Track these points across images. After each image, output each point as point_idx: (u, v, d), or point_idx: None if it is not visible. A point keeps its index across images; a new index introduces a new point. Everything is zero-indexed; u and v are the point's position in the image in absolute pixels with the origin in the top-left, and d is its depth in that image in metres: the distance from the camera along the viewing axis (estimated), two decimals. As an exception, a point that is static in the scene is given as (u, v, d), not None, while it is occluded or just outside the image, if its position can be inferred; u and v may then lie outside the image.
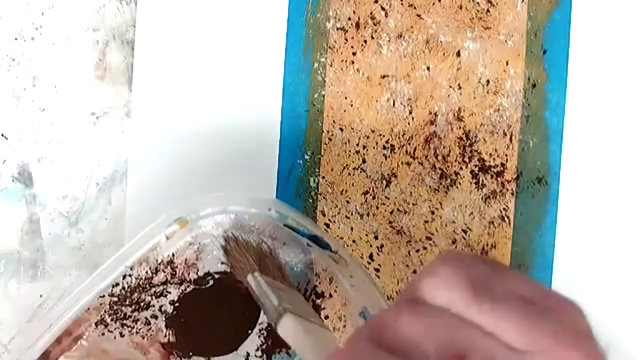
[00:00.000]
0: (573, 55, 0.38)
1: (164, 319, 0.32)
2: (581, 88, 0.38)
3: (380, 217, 0.39)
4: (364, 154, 0.38)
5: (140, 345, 0.32)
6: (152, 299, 0.32)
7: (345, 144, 0.39)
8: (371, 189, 0.38)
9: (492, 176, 0.38)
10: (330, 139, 0.39)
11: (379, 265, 0.38)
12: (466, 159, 0.38)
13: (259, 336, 0.33)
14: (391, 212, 0.38)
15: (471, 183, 0.38)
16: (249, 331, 0.33)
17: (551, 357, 0.22)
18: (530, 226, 0.38)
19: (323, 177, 0.39)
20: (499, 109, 0.38)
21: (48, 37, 0.38)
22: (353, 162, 0.39)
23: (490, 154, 0.38)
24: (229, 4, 0.38)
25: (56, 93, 0.38)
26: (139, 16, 0.38)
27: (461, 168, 0.38)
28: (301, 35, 0.38)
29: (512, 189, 0.38)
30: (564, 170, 0.38)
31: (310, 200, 0.39)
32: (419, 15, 0.38)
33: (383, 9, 0.38)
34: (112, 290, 0.31)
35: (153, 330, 0.32)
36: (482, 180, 0.38)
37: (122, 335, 0.32)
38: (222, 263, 0.32)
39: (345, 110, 0.39)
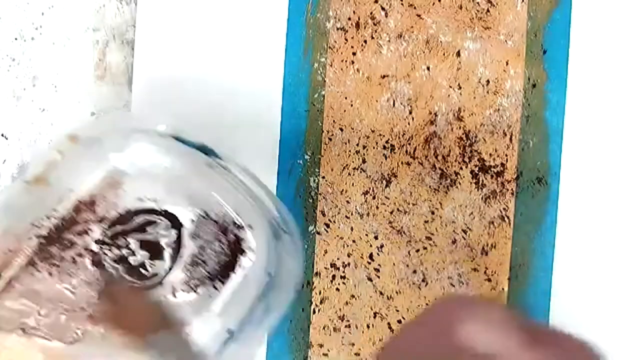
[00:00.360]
0: (573, 55, 0.38)
1: (89, 257, 0.34)
2: (581, 88, 0.38)
3: (380, 217, 0.39)
4: (364, 154, 0.38)
5: (68, 285, 0.33)
6: (76, 237, 0.33)
7: (345, 144, 0.39)
8: (371, 189, 0.38)
9: (492, 176, 0.38)
10: (330, 139, 0.39)
11: (379, 265, 0.38)
12: (466, 159, 0.38)
13: (184, 270, 0.34)
14: (391, 212, 0.38)
15: (471, 183, 0.38)
16: (172, 265, 0.34)
17: None
18: (530, 226, 0.38)
19: (323, 177, 0.39)
20: (499, 109, 0.38)
21: (48, 37, 0.38)
22: (353, 162, 0.39)
23: (490, 154, 0.38)
24: (229, 4, 0.38)
25: (56, 93, 0.38)
26: (139, 16, 0.38)
27: (461, 168, 0.38)
28: (301, 35, 0.39)
29: (512, 189, 0.38)
30: (564, 170, 0.38)
31: (310, 200, 0.39)
32: (419, 15, 0.38)
33: (383, 9, 0.38)
34: (40, 232, 0.33)
35: (79, 269, 0.33)
36: (482, 180, 0.38)
37: (50, 275, 0.33)
38: (140, 200, 0.34)
39: (345, 110, 0.39)
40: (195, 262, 0.35)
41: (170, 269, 0.35)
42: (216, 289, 0.35)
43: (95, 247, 0.34)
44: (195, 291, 0.35)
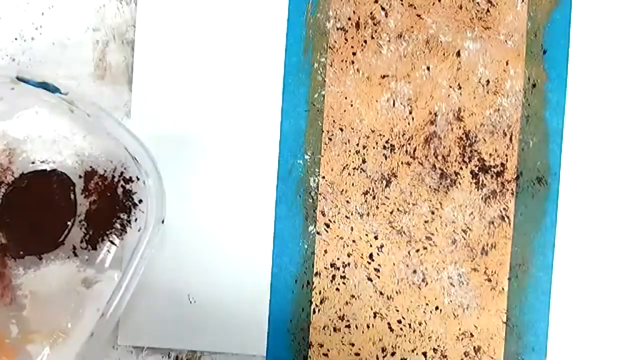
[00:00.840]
0: (573, 55, 0.38)
1: None
2: (581, 88, 0.38)
3: (380, 217, 0.39)
4: (364, 154, 0.38)
5: None
6: None
7: (345, 144, 0.39)
8: (371, 189, 0.38)
9: (492, 176, 0.38)
10: (330, 139, 0.39)
11: (379, 265, 0.38)
12: (466, 159, 0.38)
13: (81, 228, 0.36)
14: (391, 212, 0.38)
15: (471, 183, 0.38)
16: (69, 223, 0.36)
17: None
18: (530, 226, 0.38)
19: (323, 177, 0.39)
20: (499, 109, 0.38)
21: (48, 37, 0.38)
22: (353, 162, 0.39)
23: (490, 154, 0.38)
24: (228, 4, 0.38)
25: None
26: (139, 16, 0.38)
27: (461, 168, 0.38)
28: (301, 35, 0.39)
29: (512, 189, 0.38)
30: (564, 170, 0.38)
31: (310, 200, 0.39)
32: (419, 15, 0.38)
33: (383, 9, 0.38)
34: None
35: None
36: (482, 180, 0.38)
37: None
38: (32, 163, 0.36)
39: (345, 110, 0.39)
40: (89, 219, 0.36)
41: (68, 230, 0.36)
42: (114, 243, 0.36)
43: None
44: (94, 248, 0.36)
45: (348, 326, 0.39)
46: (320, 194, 0.39)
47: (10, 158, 0.36)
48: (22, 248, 0.36)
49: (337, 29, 0.39)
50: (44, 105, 0.35)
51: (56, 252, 0.36)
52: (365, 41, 0.38)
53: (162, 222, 0.35)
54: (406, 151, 0.39)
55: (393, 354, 0.38)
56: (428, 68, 0.38)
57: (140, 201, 0.36)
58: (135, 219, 0.36)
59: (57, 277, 0.36)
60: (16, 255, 0.36)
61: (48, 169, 0.36)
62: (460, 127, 0.38)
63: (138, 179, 0.36)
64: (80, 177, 0.36)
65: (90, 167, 0.36)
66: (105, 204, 0.36)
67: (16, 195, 0.36)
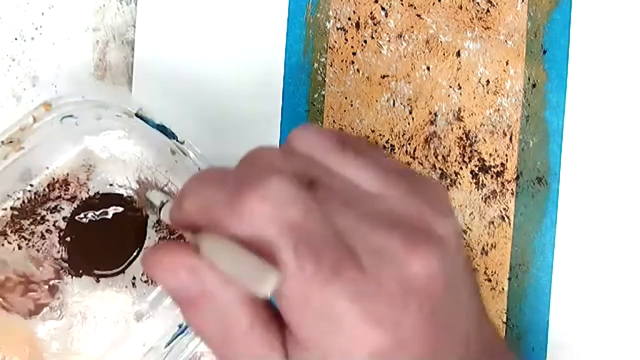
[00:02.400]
0: (573, 55, 0.38)
1: (57, 234, 0.35)
2: (581, 88, 0.38)
3: (380, 217, 0.38)
4: (364, 154, 0.38)
5: (35, 259, 0.35)
6: (47, 213, 0.35)
7: (345, 144, 0.39)
8: (371, 189, 0.38)
9: (492, 176, 0.38)
10: (330, 139, 0.39)
11: (379, 265, 0.38)
12: (466, 159, 0.38)
13: None
14: (391, 212, 0.38)
15: (471, 183, 0.38)
16: (135, 253, 0.36)
17: (399, 199, 0.23)
18: (530, 226, 0.38)
19: (323, 177, 0.39)
20: (499, 109, 0.38)
21: (48, 37, 0.38)
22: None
23: (490, 154, 0.38)
24: (229, 4, 0.38)
25: (56, 93, 0.38)
26: (139, 16, 0.38)
27: (461, 168, 0.38)
28: (301, 35, 0.39)
29: (512, 189, 0.38)
30: (564, 170, 0.38)
31: (310, 200, 0.38)
32: (419, 15, 0.38)
33: (383, 9, 0.38)
34: (14, 203, 0.35)
35: (48, 245, 0.35)
36: (482, 180, 0.38)
37: (19, 247, 0.35)
38: (110, 185, 0.36)
39: (345, 110, 0.39)
40: None
41: (132, 259, 0.36)
42: None
43: (63, 225, 0.35)
44: (154, 283, 0.36)
45: (348, 326, 0.39)
46: (320, 194, 0.39)
47: (88, 174, 0.36)
48: (82, 267, 0.36)
49: (337, 29, 0.39)
50: (135, 131, 0.35)
51: (115, 279, 0.36)
52: (365, 41, 0.38)
53: None
54: (406, 151, 0.38)
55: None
56: (428, 68, 0.38)
57: None
58: None
59: (110, 304, 0.36)
60: (75, 273, 0.36)
61: (125, 195, 0.35)
62: (460, 127, 0.38)
63: None
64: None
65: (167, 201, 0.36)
66: (175, 240, 0.36)
67: (86, 214, 0.36)
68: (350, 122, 0.38)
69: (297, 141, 0.24)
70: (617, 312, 0.38)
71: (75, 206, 0.35)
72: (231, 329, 0.22)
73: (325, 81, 0.39)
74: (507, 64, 0.38)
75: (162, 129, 0.33)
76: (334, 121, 0.38)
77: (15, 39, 0.38)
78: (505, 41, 0.38)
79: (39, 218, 0.35)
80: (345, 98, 0.39)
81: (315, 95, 0.39)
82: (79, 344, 0.36)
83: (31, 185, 0.35)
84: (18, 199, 0.35)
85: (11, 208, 0.35)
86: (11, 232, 0.35)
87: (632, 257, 0.38)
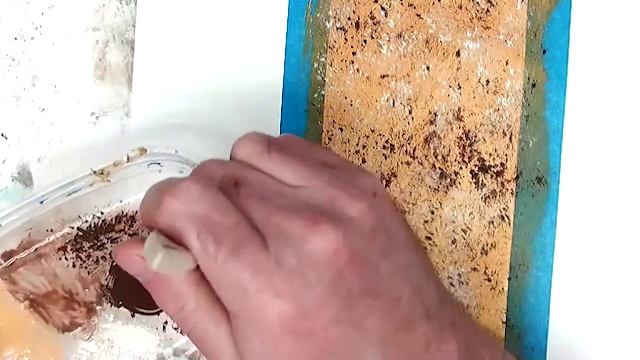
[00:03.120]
0: (573, 55, 0.38)
1: (110, 263, 0.37)
2: (581, 88, 0.38)
3: (380, 217, 0.38)
4: (364, 154, 0.38)
5: (83, 280, 0.37)
6: (108, 242, 0.37)
7: (345, 144, 0.39)
8: (371, 189, 0.38)
9: (492, 176, 0.38)
10: (330, 139, 0.39)
11: (379, 265, 0.38)
12: (466, 159, 0.38)
13: None
14: (391, 212, 0.38)
15: (471, 183, 0.38)
16: None
17: (316, 190, 0.26)
18: (530, 226, 0.38)
19: (323, 177, 0.39)
20: (499, 109, 0.38)
21: (48, 37, 0.38)
22: (353, 161, 0.39)
23: (490, 154, 0.38)
24: (229, 4, 0.38)
25: (56, 93, 0.38)
26: (139, 16, 0.38)
27: (461, 168, 0.38)
28: (301, 35, 0.39)
29: (512, 189, 0.38)
30: (564, 170, 0.38)
31: (310, 200, 0.38)
32: (419, 15, 0.38)
33: (383, 9, 0.38)
34: (82, 225, 0.37)
35: (99, 271, 0.37)
36: (482, 180, 0.38)
37: (74, 266, 0.37)
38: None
39: (345, 110, 0.39)
40: None
41: None
42: None
43: None
44: (182, 332, 0.37)
45: (348, 326, 0.39)
46: (320, 194, 0.39)
47: None
48: (123, 299, 0.37)
49: (337, 29, 0.39)
50: None
51: (149, 318, 0.37)
52: (365, 41, 0.38)
53: None
54: (406, 151, 0.38)
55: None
56: (428, 68, 0.38)
57: None
58: None
59: (138, 340, 0.37)
60: (115, 302, 0.37)
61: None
62: (460, 127, 0.38)
63: None
64: None
65: None
66: None
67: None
68: (350, 122, 0.38)
69: (236, 150, 0.29)
70: (617, 312, 0.38)
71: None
72: (184, 306, 0.27)
73: (325, 81, 0.39)
74: (507, 64, 0.38)
75: None
76: (334, 121, 0.38)
77: (15, 39, 0.38)
78: (505, 41, 0.38)
79: (99, 244, 0.37)
80: (345, 98, 0.39)
81: (315, 95, 0.39)
82: None
83: (102, 213, 0.37)
84: (87, 222, 0.37)
85: (78, 229, 0.37)
86: (71, 249, 0.37)
87: (633, 257, 0.38)
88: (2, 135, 0.38)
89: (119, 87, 0.39)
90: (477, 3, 0.38)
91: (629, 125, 0.38)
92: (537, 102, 0.38)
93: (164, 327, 0.37)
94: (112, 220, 0.37)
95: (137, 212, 0.37)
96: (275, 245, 0.25)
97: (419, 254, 0.29)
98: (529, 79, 0.38)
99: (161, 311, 0.37)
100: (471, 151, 0.38)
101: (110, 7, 0.39)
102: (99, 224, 0.37)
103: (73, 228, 0.37)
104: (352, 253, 0.25)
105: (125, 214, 0.37)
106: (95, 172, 0.35)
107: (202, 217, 0.26)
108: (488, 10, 0.38)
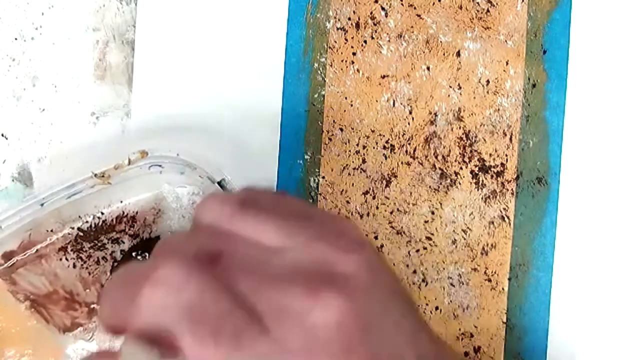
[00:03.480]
0: (573, 55, 0.38)
1: (111, 264, 0.37)
2: (581, 88, 0.38)
3: (380, 217, 0.39)
4: (364, 154, 0.38)
5: (84, 281, 0.37)
6: (108, 242, 0.37)
7: (345, 144, 0.39)
8: (371, 189, 0.38)
9: (492, 176, 0.38)
10: (330, 139, 0.39)
11: (379, 265, 0.38)
12: (466, 159, 0.38)
13: None
14: (391, 212, 0.38)
15: (471, 183, 0.38)
16: None
17: (302, 248, 0.23)
18: (530, 226, 0.38)
19: (323, 177, 0.39)
20: (499, 109, 0.38)
21: (48, 37, 0.38)
22: (353, 162, 0.39)
23: (490, 154, 0.38)
24: (229, 4, 0.38)
25: (56, 93, 0.38)
26: (139, 16, 0.38)
27: (461, 168, 0.38)
28: (301, 35, 0.39)
29: (512, 189, 0.38)
30: (564, 170, 0.38)
31: (310, 200, 0.39)
32: (419, 15, 0.38)
33: (383, 9, 0.38)
34: (82, 225, 0.37)
35: (99, 272, 0.37)
36: (482, 180, 0.38)
37: (74, 266, 0.37)
38: (171, 232, 0.38)
39: (345, 110, 0.39)
40: None
41: None
42: None
43: (119, 257, 0.37)
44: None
45: (348, 326, 0.39)
46: (320, 194, 0.39)
47: (155, 218, 0.37)
48: None
49: (337, 29, 0.39)
50: (209, 192, 0.36)
51: None
52: (365, 41, 0.38)
53: None
54: (406, 151, 0.38)
55: (393, 354, 0.38)
56: (428, 68, 0.38)
57: None
58: None
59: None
60: None
61: None
62: (460, 127, 0.38)
63: None
64: None
65: None
66: None
67: (142, 252, 0.37)
68: (350, 122, 0.38)
69: (202, 214, 0.25)
70: (617, 312, 0.38)
71: (135, 243, 0.37)
72: None
73: (325, 81, 0.39)
74: (507, 64, 0.38)
75: None
76: (334, 121, 0.38)
77: (15, 39, 0.38)
78: (505, 41, 0.38)
79: (99, 244, 0.37)
80: (345, 98, 0.39)
81: (315, 95, 0.39)
82: None
83: (102, 213, 0.37)
84: (87, 222, 0.37)
85: (78, 229, 0.37)
86: (71, 250, 0.37)
87: (633, 257, 0.38)
88: (2, 135, 0.38)
89: (119, 87, 0.39)
90: (477, 3, 0.38)
91: (629, 125, 0.38)
92: (537, 102, 0.38)
93: None
94: (112, 220, 0.37)
95: (137, 212, 0.37)
96: (275, 325, 0.22)
97: (408, 298, 0.26)
98: (529, 79, 0.38)
99: None
100: (471, 151, 0.38)
101: (110, 7, 0.39)
102: (99, 224, 0.37)
103: (73, 228, 0.37)
104: (357, 317, 0.22)
105: (125, 214, 0.37)
106: (96, 175, 0.35)
107: (191, 307, 0.21)
108: (488, 10, 0.38)
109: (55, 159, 0.38)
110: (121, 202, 0.37)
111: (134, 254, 0.37)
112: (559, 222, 0.38)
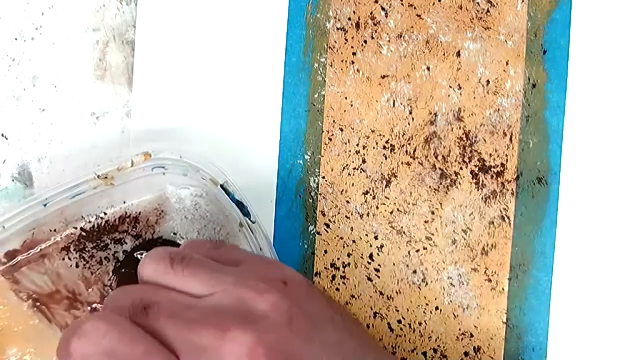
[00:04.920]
0: (573, 55, 0.38)
1: (113, 264, 0.37)
2: (581, 88, 0.38)
3: (380, 217, 0.39)
4: (364, 154, 0.38)
5: (86, 280, 0.37)
6: (110, 242, 0.37)
7: (345, 144, 0.39)
8: (371, 189, 0.38)
9: (492, 176, 0.38)
10: (330, 139, 0.39)
11: (379, 265, 0.38)
12: (466, 159, 0.38)
13: None
14: (391, 212, 0.38)
15: (471, 183, 0.38)
16: None
17: (223, 294, 0.26)
18: (530, 226, 0.38)
19: (323, 177, 0.39)
20: (499, 109, 0.38)
21: (48, 37, 0.38)
22: (353, 162, 0.39)
23: (490, 154, 0.38)
24: (229, 4, 0.38)
25: (56, 93, 0.38)
26: (139, 16, 0.38)
27: (461, 168, 0.38)
28: (301, 35, 0.38)
29: (512, 189, 0.38)
30: (564, 170, 0.38)
31: (310, 200, 0.39)
32: (419, 15, 0.38)
33: (383, 9, 0.38)
34: (85, 225, 0.37)
35: (102, 272, 0.37)
36: (482, 180, 0.38)
37: (77, 266, 0.37)
38: (174, 234, 0.38)
39: (345, 110, 0.39)
40: None
41: None
42: None
43: (121, 257, 0.38)
44: None
45: (348, 326, 0.39)
46: (320, 194, 0.39)
47: (158, 219, 0.38)
48: None
49: (337, 29, 0.39)
50: (212, 193, 0.37)
51: None
52: (365, 41, 0.38)
53: None
54: (406, 151, 0.38)
55: (393, 353, 0.38)
56: (428, 68, 0.38)
57: None
58: None
59: None
60: None
61: None
62: (460, 127, 0.38)
63: None
64: None
65: None
66: None
67: (145, 253, 0.37)
68: (350, 122, 0.38)
69: (142, 272, 0.28)
70: (617, 312, 0.38)
71: (138, 244, 0.38)
72: None
73: (325, 81, 0.39)
74: (507, 64, 0.38)
75: (240, 205, 0.36)
76: (334, 121, 0.38)
77: (15, 39, 0.38)
78: (505, 41, 0.38)
79: (102, 244, 0.37)
80: (345, 98, 0.39)
81: (315, 95, 0.39)
82: None
83: (105, 214, 0.37)
84: (90, 222, 0.37)
85: (81, 229, 0.37)
86: (74, 249, 0.37)
87: (633, 257, 0.38)
88: (2, 135, 0.38)
89: (119, 87, 0.39)
90: (477, 3, 0.38)
91: (629, 125, 0.38)
92: (537, 102, 0.38)
93: None
94: (115, 220, 0.37)
95: (140, 213, 0.37)
96: None
97: (349, 326, 0.28)
98: (529, 79, 0.38)
99: None
100: (471, 151, 0.38)
101: (110, 7, 0.39)
102: (102, 224, 0.37)
103: (76, 228, 0.37)
104: (269, 349, 0.24)
105: (128, 214, 0.38)
106: (99, 176, 0.36)
107: (110, 352, 0.25)
108: (488, 11, 0.38)
109: (55, 158, 0.38)
110: (124, 202, 0.38)
111: (136, 254, 0.37)
112: (559, 222, 0.38)
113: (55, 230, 0.37)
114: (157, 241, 0.38)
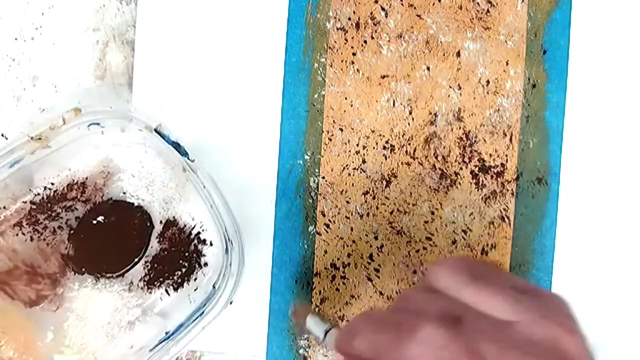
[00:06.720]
0: (573, 55, 0.38)
1: (67, 232, 0.37)
2: (581, 88, 0.38)
3: (380, 217, 0.39)
4: (364, 154, 0.38)
5: (43, 252, 0.37)
6: (62, 211, 0.37)
7: (345, 144, 0.39)
8: (371, 189, 0.38)
9: (492, 176, 0.38)
10: (330, 139, 0.39)
11: (379, 265, 0.38)
12: (466, 159, 0.38)
13: (144, 268, 0.38)
14: (391, 212, 0.38)
15: (471, 183, 0.38)
16: (136, 259, 0.38)
17: (532, 325, 0.26)
18: (530, 226, 0.38)
19: (323, 177, 0.39)
20: (499, 109, 0.38)
21: (48, 37, 0.38)
22: (353, 162, 0.39)
23: (490, 154, 0.38)
24: (229, 5, 0.38)
25: (56, 93, 0.38)
26: (139, 16, 0.38)
27: (461, 168, 0.38)
28: (301, 35, 0.39)
29: (512, 189, 0.38)
30: (564, 170, 0.38)
31: (310, 200, 0.39)
32: (419, 16, 0.38)
33: (383, 9, 0.38)
34: (34, 198, 0.37)
35: (57, 241, 0.37)
36: (482, 181, 0.38)
37: (32, 239, 0.37)
38: (123, 193, 0.38)
39: (345, 110, 0.39)
40: (155, 263, 0.38)
41: (133, 265, 0.38)
42: (167, 293, 0.38)
43: (75, 224, 0.37)
44: (149, 291, 0.38)
45: (348, 326, 0.39)
46: (320, 194, 0.39)
47: (106, 181, 0.38)
48: (85, 265, 0.37)
49: (337, 29, 0.39)
50: (155, 148, 0.37)
51: (114, 280, 0.38)
52: (365, 41, 0.38)
53: (230, 303, 0.36)
54: (406, 151, 0.38)
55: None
56: (428, 68, 0.38)
57: (206, 264, 0.38)
58: (195, 279, 0.38)
59: (105, 304, 0.38)
60: (77, 270, 0.37)
61: (135, 204, 0.38)
62: (460, 127, 0.38)
63: (212, 244, 0.38)
64: (161, 222, 0.38)
65: (173, 217, 0.38)
66: (174, 254, 0.38)
67: (97, 216, 0.38)
68: (350, 122, 0.38)
69: (435, 279, 0.28)
70: (617, 312, 0.38)
71: (89, 208, 0.37)
72: None
73: (325, 81, 0.39)
74: (507, 64, 0.38)
75: (177, 146, 0.35)
76: (334, 121, 0.38)
77: (15, 39, 0.38)
78: (505, 41, 0.38)
79: (54, 214, 0.37)
80: (345, 98, 0.39)
81: (315, 96, 0.39)
82: (72, 338, 0.37)
83: (52, 184, 0.37)
84: (38, 194, 0.37)
85: (31, 202, 0.37)
86: (27, 224, 0.37)
87: (632, 257, 0.38)
88: (2, 135, 0.38)
89: (119, 87, 0.39)
90: (477, 3, 0.38)
91: (629, 125, 0.38)
92: (537, 102, 0.38)
93: (130, 289, 0.38)
94: (63, 189, 0.37)
95: (87, 178, 0.37)
96: None
97: None
98: (529, 79, 0.38)
99: (125, 272, 0.37)
100: (471, 151, 0.38)
101: (110, 7, 0.39)
102: (51, 194, 0.37)
103: (25, 202, 0.37)
104: None
105: (75, 181, 0.37)
106: (32, 138, 0.35)
107: None
108: (488, 11, 0.38)
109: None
110: (69, 169, 0.37)
111: (89, 219, 0.37)
112: (558, 223, 0.38)
113: (4, 208, 0.37)
114: (107, 203, 0.37)
